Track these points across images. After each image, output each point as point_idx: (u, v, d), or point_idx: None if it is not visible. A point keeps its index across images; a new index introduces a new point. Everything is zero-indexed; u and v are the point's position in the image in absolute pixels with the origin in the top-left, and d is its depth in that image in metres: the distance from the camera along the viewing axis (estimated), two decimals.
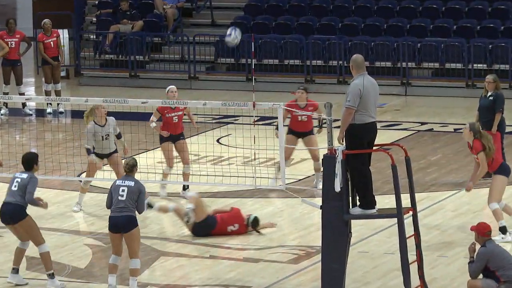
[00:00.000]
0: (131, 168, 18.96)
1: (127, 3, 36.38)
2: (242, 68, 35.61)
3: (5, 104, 31.13)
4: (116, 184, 19.02)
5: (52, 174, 25.71)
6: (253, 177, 20.15)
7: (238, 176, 23.43)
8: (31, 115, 31.94)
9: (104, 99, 23.76)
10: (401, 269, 18.08)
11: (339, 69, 34.24)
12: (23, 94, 31.64)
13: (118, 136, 23.46)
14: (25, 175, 19.04)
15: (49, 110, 31.90)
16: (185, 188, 23.98)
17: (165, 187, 24.13)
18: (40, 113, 32.11)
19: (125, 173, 19.23)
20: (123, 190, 18.84)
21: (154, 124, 23.81)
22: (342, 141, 18.33)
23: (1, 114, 31.05)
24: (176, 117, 23.83)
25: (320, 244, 18.46)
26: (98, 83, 35.17)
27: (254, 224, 21.89)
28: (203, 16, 37.42)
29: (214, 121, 29.71)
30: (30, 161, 19.69)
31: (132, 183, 18.83)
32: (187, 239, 21.96)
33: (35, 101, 32.47)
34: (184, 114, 24.01)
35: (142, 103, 22.68)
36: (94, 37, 36.99)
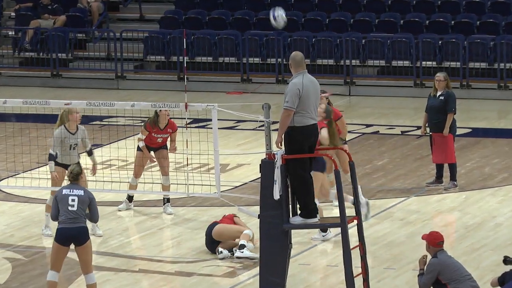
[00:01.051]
0: (77, 176, 18.82)
1: None
2: (173, 67, 35.61)
3: None
4: (63, 193, 18.74)
5: None
6: (185, 184, 20.25)
7: (169, 184, 23.57)
8: None
9: (24, 100, 23.79)
10: (345, 283, 18.22)
11: (277, 67, 34.26)
12: None
13: (89, 153, 23.04)
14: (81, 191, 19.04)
15: None
16: (165, 202, 23.98)
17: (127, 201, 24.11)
18: None
19: (70, 182, 19.01)
20: (73, 200, 18.62)
21: (142, 144, 23.61)
22: (281, 145, 18.42)
23: None
24: (161, 138, 23.70)
25: (258, 256, 18.63)
26: (18, 83, 35.18)
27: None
28: (131, 10, 37.55)
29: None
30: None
31: (81, 192, 18.68)
32: (113, 251, 22.04)
33: None
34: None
35: (65, 104, 22.66)
36: (13, 33, 36.90)
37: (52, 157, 22.36)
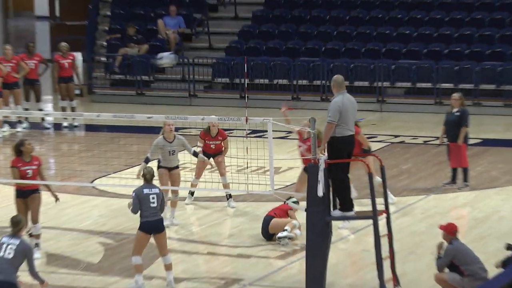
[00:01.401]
0: (151, 178, 18.83)
1: (133, 28, 36.49)
2: (236, 87, 35.62)
3: (26, 119, 31.23)
4: (144, 193, 18.63)
5: (68, 180, 25.87)
6: (245, 183, 20.27)
7: (232, 183, 23.73)
8: (49, 128, 32.05)
9: (114, 114, 23.87)
10: (376, 264, 18.30)
11: (322, 88, 34.41)
12: (41, 110, 31.85)
13: (195, 155, 23.07)
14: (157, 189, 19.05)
15: (65, 124, 32.05)
16: (228, 197, 24.11)
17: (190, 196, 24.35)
18: (57, 126, 32.20)
19: (146, 183, 18.86)
20: (153, 198, 18.61)
21: (199, 149, 23.51)
22: (324, 152, 18.48)
23: (23, 128, 31.17)
24: (214, 145, 23.75)
25: (305, 242, 18.71)
26: (109, 100, 35.29)
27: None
28: (202, 40, 37.55)
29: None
30: None
31: (157, 190, 18.75)
32: (186, 238, 22.20)
33: (53, 116, 32.48)
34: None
35: (147, 117, 22.70)
36: (105, 59, 37.04)
37: (146, 160, 22.05)
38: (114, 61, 36.49)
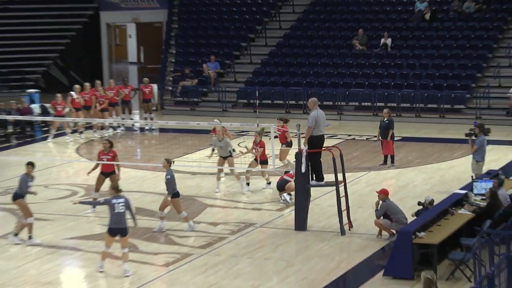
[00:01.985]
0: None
1: (188, 69, 36.47)
2: (251, 105, 34.54)
3: (123, 124, 31.25)
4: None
5: (148, 162, 25.87)
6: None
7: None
8: (136, 131, 32.06)
9: (176, 122, 23.78)
10: (337, 213, 18.35)
11: (303, 106, 33.53)
12: (132, 119, 32.00)
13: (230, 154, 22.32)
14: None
15: (146, 128, 32.09)
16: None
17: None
18: (141, 130, 32.21)
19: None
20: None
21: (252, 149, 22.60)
22: (305, 145, 18.56)
23: (120, 130, 31.20)
24: (256, 150, 22.27)
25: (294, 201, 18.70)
26: (173, 114, 35.00)
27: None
28: (230, 76, 37.25)
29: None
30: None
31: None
32: (228, 199, 21.95)
33: (139, 123, 32.46)
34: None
35: (196, 124, 22.71)
36: (171, 88, 36.96)
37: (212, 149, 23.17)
38: (176, 90, 36.32)
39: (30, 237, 18.23)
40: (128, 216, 16.30)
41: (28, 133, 30.41)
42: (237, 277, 16.15)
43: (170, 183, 18.56)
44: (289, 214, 19.88)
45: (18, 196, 18.16)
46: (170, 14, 40.29)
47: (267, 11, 39.33)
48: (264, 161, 22.22)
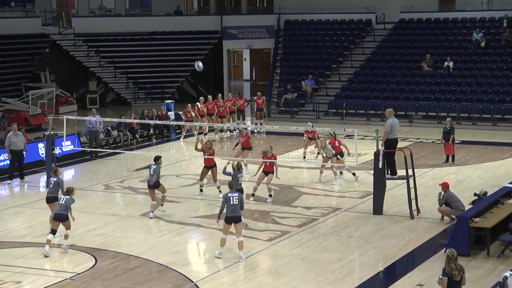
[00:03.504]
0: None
1: (290, 85, 36.17)
2: (339, 114, 33.86)
3: (238, 129, 31.07)
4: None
5: (257, 158, 25.60)
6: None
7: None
8: (253, 132, 31.69)
9: (279, 126, 23.51)
10: (407, 201, 17.87)
11: (380, 115, 32.87)
12: (245, 124, 31.80)
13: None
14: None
15: (256, 131, 31.78)
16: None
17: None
18: (252, 132, 31.77)
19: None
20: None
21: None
22: (382, 146, 18.20)
23: (236, 132, 31.04)
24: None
25: (372, 190, 18.30)
26: (277, 120, 34.63)
27: None
28: (323, 91, 36.74)
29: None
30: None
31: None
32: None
33: (250, 128, 32.23)
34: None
35: (295, 128, 22.42)
36: (275, 100, 36.68)
37: None
38: (280, 101, 36.06)
39: (161, 205, 18.50)
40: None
41: (165, 134, 30.64)
42: (326, 251, 15.89)
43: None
44: (368, 201, 19.43)
45: (158, 183, 18.18)
46: (277, 42, 40.34)
47: (353, 40, 38.97)
48: (340, 153, 21.64)
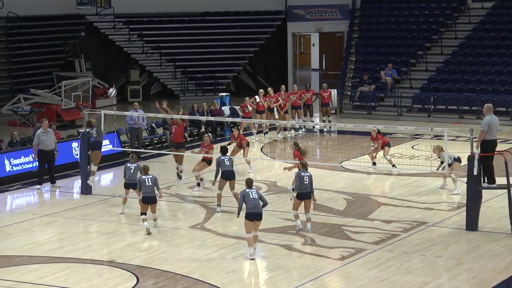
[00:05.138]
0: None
1: (367, 76, 36.16)
2: (425, 110, 33.82)
3: (304, 126, 31.16)
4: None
5: (326, 161, 25.65)
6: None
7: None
8: (316, 132, 31.89)
9: (354, 124, 23.57)
10: (509, 214, 17.67)
11: (477, 111, 32.53)
12: (313, 121, 31.92)
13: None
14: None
15: (325, 130, 31.90)
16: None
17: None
18: (321, 131, 32.02)
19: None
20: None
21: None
22: (478, 148, 18.09)
23: (302, 131, 31.13)
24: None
25: (465, 202, 18.15)
26: (351, 117, 34.55)
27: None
28: (406, 83, 36.52)
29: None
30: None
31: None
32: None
33: (319, 125, 32.32)
34: None
35: (373, 127, 22.45)
36: (349, 93, 36.62)
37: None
38: (355, 94, 36.02)
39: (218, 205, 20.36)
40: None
41: (219, 133, 30.86)
42: (408, 273, 15.80)
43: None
44: (461, 214, 19.24)
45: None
46: (352, 25, 40.20)
47: (444, 21, 38.55)
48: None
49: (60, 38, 39.12)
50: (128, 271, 16.11)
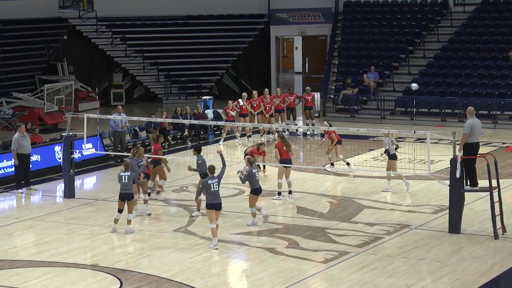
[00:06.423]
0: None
1: (350, 79, 36.24)
2: (407, 113, 33.94)
3: (288, 130, 31.07)
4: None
5: (308, 164, 25.64)
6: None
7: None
8: (299, 135, 31.82)
9: (338, 128, 23.54)
10: (491, 217, 17.73)
11: (459, 114, 32.72)
12: (296, 124, 31.90)
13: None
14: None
15: (308, 133, 31.77)
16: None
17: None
18: (304, 134, 31.89)
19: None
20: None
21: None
22: (460, 151, 18.12)
23: (286, 134, 30.89)
24: None
25: (448, 205, 18.20)
26: (334, 120, 33.82)
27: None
28: (389, 86, 36.57)
29: None
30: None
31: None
32: None
33: (301, 128, 32.29)
34: None
35: (356, 130, 22.46)
36: (333, 96, 36.67)
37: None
38: (338, 98, 36.07)
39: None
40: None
41: (202, 136, 30.83)
42: (392, 276, 15.83)
43: (251, 177, 18.89)
44: (443, 217, 19.31)
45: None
46: (334, 28, 40.34)
47: (426, 25, 38.74)
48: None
49: (42, 42, 39.02)
50: (111, 275, 16.08)
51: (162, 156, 21.96)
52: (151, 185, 21.33)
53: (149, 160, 20.83)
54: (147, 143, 28.62)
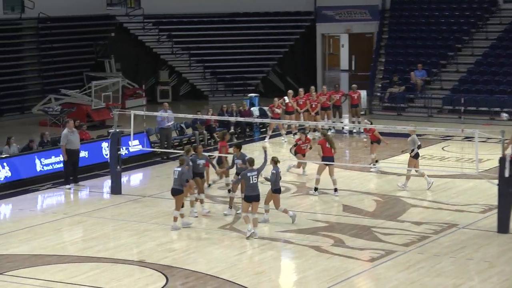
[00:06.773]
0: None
1: (396, 77, 36.06)
2: (455, 112, 33.67)
3: (333, 127, 30.95)
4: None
5: (355, 163, 25.59)
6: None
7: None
8: (346, 133, 31.60)
9: (384, 126, 23.38)
10: None
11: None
12: (342, 122, 31.81)
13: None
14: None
15: (354, 131, 31.64)
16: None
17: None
18: (350, 132, 31.69)
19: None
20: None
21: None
22: (510, 150, 17.98)
23: (332, 132, 30.81)
24: None
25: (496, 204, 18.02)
26: (380, 118, 34.23)
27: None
28: (436, 84, 36.23)
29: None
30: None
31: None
32: None
33: (348, 126, 32.14)
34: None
35: (402, 128, 22.31)
36: (379, 94, 36.48)
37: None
38: (384, 96, 35.85)
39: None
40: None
41: (248, 133, 30.88)
42: (439, 275, 15.70)
43: (275, 178, 18.66)
44: (492, 216, 19.09)
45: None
46: (381, 26, 40.12)
47: (475, 22, 38.29)
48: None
49: (90, 39, 39.35)
50: (158, 271, 16.14)
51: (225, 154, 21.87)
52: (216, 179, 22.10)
53: (213, 157, 20.96)
54: (193, 140, 28.79)
